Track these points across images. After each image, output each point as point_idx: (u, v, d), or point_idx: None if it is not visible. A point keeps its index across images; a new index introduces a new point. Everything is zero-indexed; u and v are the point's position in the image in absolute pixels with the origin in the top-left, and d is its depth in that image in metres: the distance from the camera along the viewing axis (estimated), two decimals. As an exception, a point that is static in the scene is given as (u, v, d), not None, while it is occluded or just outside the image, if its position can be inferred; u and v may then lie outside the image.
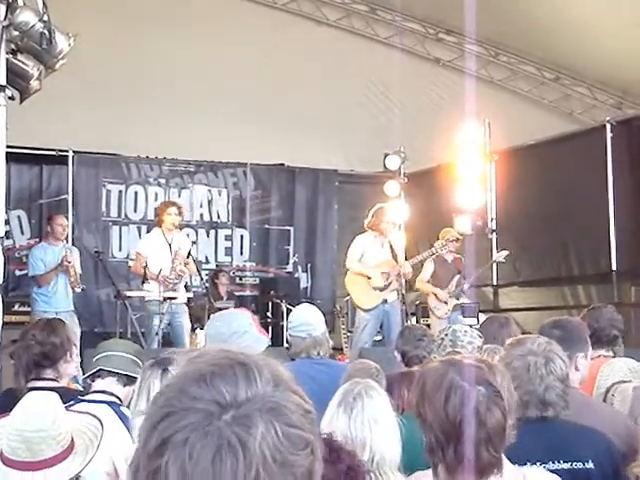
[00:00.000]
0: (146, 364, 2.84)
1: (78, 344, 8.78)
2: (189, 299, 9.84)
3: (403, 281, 9.99)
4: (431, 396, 2.30)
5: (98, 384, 3.79)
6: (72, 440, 2.73)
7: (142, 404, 2.70)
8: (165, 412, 1.10)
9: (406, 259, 10.27)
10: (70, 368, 4.32)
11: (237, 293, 12.43)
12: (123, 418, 3.48)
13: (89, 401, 3.66)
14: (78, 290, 9.30)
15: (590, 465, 2.96)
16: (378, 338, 9.96)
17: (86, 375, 3.91)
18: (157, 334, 9.02)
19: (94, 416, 2.96)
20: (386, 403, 3.06)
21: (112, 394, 3.70)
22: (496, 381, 2.33)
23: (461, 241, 10.71)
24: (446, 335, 4.35)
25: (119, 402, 3.69)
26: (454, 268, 10.51)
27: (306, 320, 4.88)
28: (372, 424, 2.93)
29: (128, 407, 3.67)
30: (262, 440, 1.06)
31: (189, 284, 10.14)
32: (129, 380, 3.72)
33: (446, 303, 10.41)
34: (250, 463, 1.04)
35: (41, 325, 4.33)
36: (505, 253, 10.55)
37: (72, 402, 3.53)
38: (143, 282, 9.46)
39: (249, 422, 1.07)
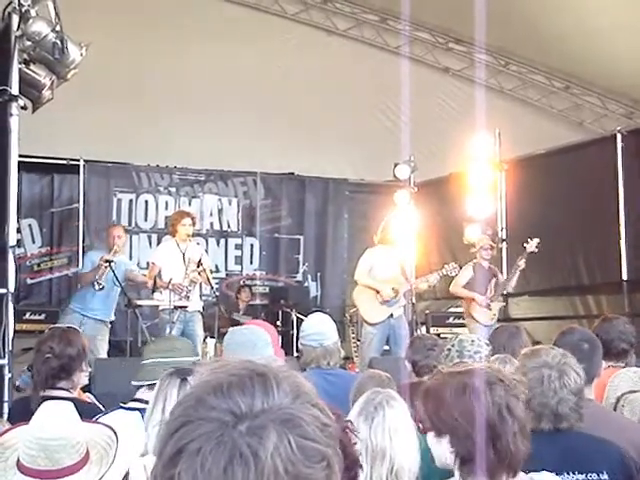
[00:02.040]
0: (164, 374, 2.84)
1: (105, 352, 8.91)
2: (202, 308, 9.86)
3: (413, 292, 9.95)
4: (457, 406, 2.31)
5: (137, 393, 3.79)
6: (88, 450, 2.74)
7: (157, 414, 2.71)
8: (182, 421, 1.10)
9: (416, 271, 10.24)
10: (83, 377, 4.34)
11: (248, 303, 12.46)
12: None
13: (126, 409, 3.68)
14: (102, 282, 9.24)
15: (605, 476, 2.95)
16: (385, 348, 9.93)
17: (139, 385, 3.81)
18: (168, 343, 9.02)
19: (108, 427, 2.97)
20: (406, 413, 3.07)
21: (144, 401, 3.70)
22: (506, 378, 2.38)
23: (494, 249, 10.61)
24: (453, 346, 4.32)
25: None
26: (491, 274, 10.37)
27: (318, 329, 4.87)
28: (392, 433, 2.94)
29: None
30: (274, 451, 1.05)
31: (200, 293, 10.15)
32: None
33: (489, 308, 10.23)
34: (261, 474, 1.04)
35: (57, 337, 4.31)
36: (537, 241, 10.26)
37: (104, 412, 3.56)
38: (153, 291, 9.48)
39: (262, 433, 1.06)
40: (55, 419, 2.65)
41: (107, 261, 9.51)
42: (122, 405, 3.74)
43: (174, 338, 4.45)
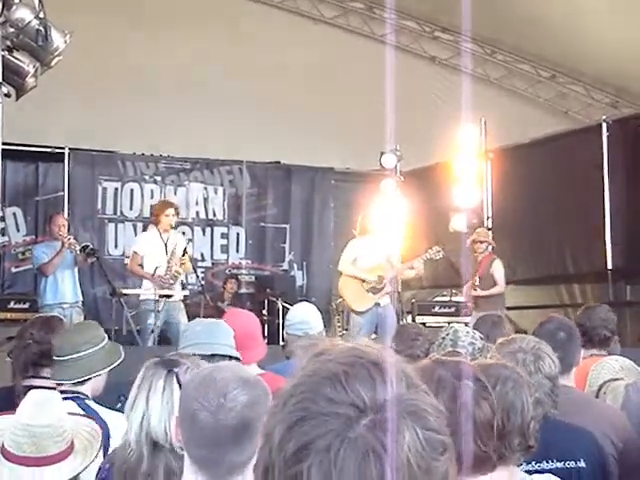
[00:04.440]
0: (149, 363, 2.80)
1: None
2: (185, 297, 9.87)
3: (399, 281, 9.96)
4: None
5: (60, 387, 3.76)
6: (73, 440, 2.75)
7: (141, 404, 2.68)
8: (301, 415, 1.07)
9: (403, 260, 10.24)
10: None
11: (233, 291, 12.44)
12: (89, 412, 3.48)
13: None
14: (77, 248, 9.19)
15: (582, 464, 2.98)
16: (374, 337, 9.96)
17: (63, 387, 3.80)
18: (152, 332, 9.03)
19: (91, 419, 2.97)
20: None
21: (74, 392, 3.71)
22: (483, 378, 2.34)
23: (487, 243, 10.51)
24: (447, 334, 4.32)
25: (83, 396, 3.70)
26: (479, 269, 10.28)
27: (303, 319, 4.88)
28: None
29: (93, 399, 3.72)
30: (407, 447, 1.04)
31: (185, 282, 10.14)
32: None
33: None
34: (396, 470, 1.03)
35: (39, 323, 4.31)
36: (437, 249, 9.92)
37: None
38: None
39: (393, 428, 1.05)
40: (42, 407, 2.65)
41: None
42: None
43: (77, 330, 4.33)
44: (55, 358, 3.78)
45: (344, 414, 1.05)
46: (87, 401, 3.65)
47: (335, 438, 1.04)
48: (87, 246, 9.26)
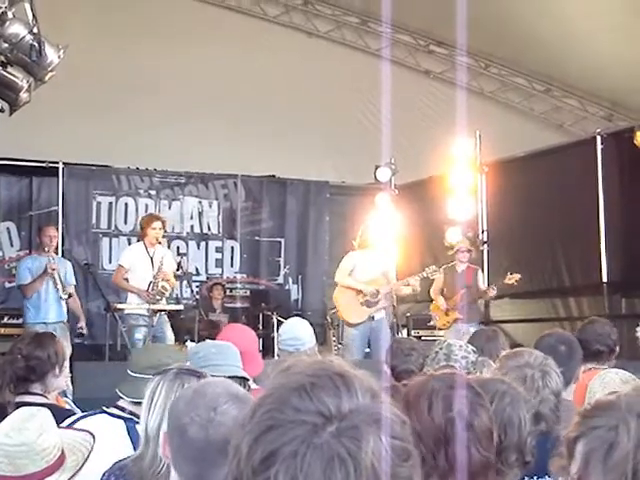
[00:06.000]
0: (167, 375, 2.73)
1: (68, 357, 8.72)
2: (179, 311, 9.86)
3: (394, 296, 9.92)
4: (415, 405, 2.28)
5: (120, 401, 3.67)
6: (62, 457, 2.70)
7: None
8: (268, 425, 1.10)
9: (398, 273, 10.25)
10: (59, 382, 4.27)
11: (228, 305, 12.40)
12: (133, 435, 3.40)
13: (109, 414, 3.59)
14: (64, 297, 9.17)
15: (576, 480, 2.94)
16: (367, 351, 9.92)
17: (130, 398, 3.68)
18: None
19: (89, 432, 2.92)
20: None
21: (132, 412, 3.62)
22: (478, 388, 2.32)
23: (472, 252, 10.58)
24: (440, 349, 4.31)
25: (137, 419, 3.61)
26: (464, 279, 10.30)
27: (295, 334, 4.87)
28: None
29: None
30: (372, 453, 1.07)
31: (179, 296, 10.11)
32: None
33: (447, 314, 10.26)
34: (360, 476, 1.06)
35: (28, 339, 4.28)
36: (518, 276, 10.19)
37: (84, 415, 3.49)
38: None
39: (357, 435, 1.08)
40: (21, 425, 2.61)
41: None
42: (105, 410, 3.67)
43: (163, 349, 4.24)
44: (128, 371, 3.70)
45: (310, 422, 1.09)
46: (137, 426, 3.53)
47: (301, 444, 1.07)
48: (70, 295, 9.24)
